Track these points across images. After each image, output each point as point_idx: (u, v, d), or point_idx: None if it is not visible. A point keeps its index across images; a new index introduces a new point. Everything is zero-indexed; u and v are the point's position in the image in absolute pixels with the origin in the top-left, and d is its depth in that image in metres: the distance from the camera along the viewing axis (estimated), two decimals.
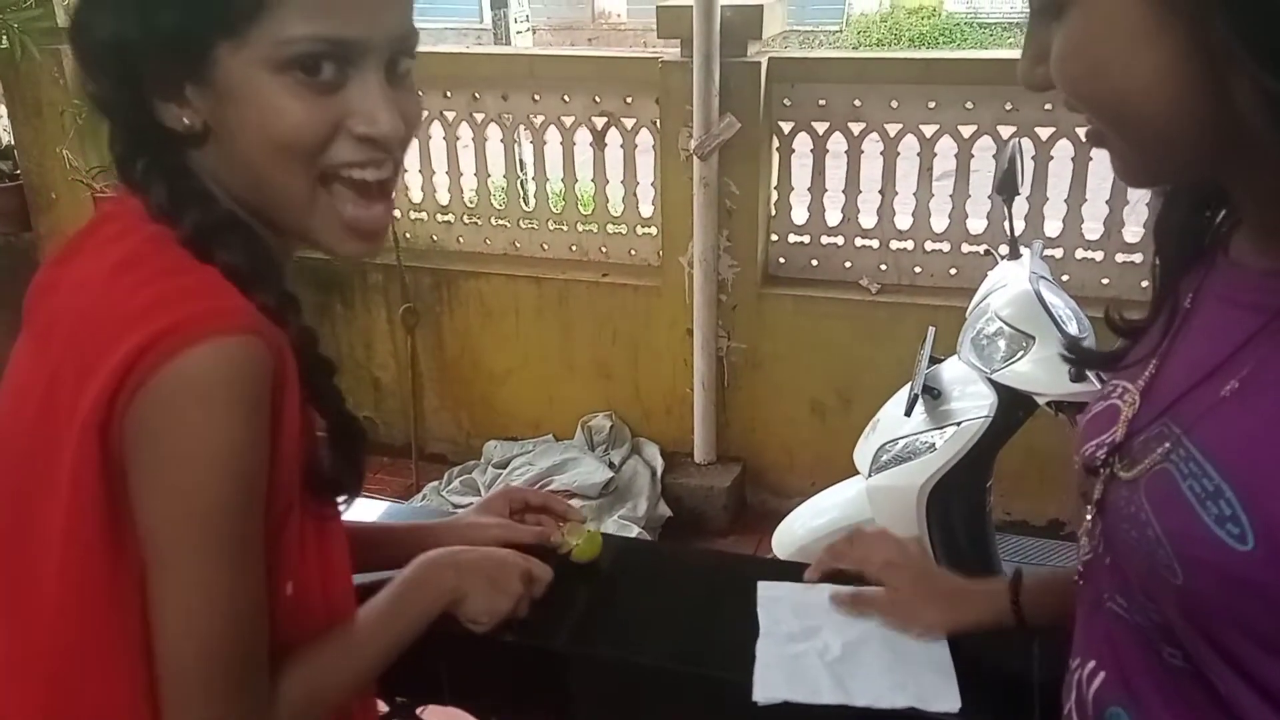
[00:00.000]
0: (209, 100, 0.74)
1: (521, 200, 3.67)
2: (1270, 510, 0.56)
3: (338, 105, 0.74)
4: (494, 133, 3.56)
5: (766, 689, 0.93)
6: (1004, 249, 2.49)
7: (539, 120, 3.49)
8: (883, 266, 3.27)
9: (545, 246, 3.65)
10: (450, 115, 3.55)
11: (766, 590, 1.06)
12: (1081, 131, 2.72)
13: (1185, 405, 0.66)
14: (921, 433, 2.26)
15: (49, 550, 0.73)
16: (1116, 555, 0.70)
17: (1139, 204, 2.81)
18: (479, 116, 3.53)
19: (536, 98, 3.45)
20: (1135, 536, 0.65)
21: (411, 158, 3.62)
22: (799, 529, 2.47)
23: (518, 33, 8.13)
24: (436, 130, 3.57)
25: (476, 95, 3.50)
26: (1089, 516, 0.73)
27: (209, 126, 0.75)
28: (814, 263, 3.35)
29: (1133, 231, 3.01)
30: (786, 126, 3.23)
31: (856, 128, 3.16)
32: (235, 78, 0.72)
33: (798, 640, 0.98)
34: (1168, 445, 0.65)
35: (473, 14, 14.85)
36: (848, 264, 3.31)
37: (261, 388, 0.72)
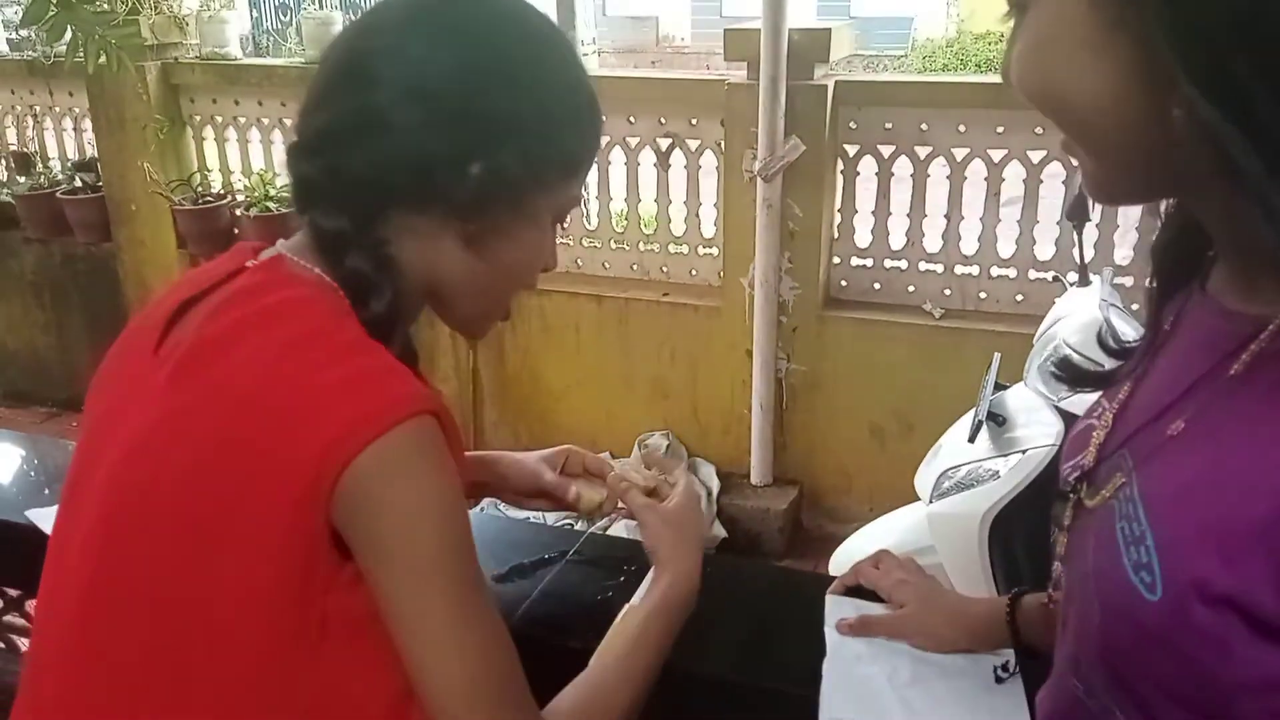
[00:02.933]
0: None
1: (584, 219, 3.70)
2: (1178, 566, 0.55)
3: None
4: None
5: (832, 710, 0.92)
6: (1073, 276, 2.46)
7: (604, 140, 3.52)
8: (947, 291, 3.24)
9: (607, 265, 3.67)
10: None
11: (835, 607, 1.05)
12: None
13: (1141, 439, 0.64)
14: (985, 460, 2.23)
15: (231, 607, 0.76)
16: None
17: None
18: None
19: (603, 118, 3.48)
20: (1078, 568, 0.64)
21: None
22: (858, 553, 2.44)
23: (584, 55, 8.22)
24: None
25: None
26: (1061, 542, 0.71)
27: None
28: (876, 286, 3.33)
29: None
30: (851, 149, 3.22)
31: (923, 151, 3.14)
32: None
33: (866, 662, 0.97)
34: (1120, 478, 0.64)
35: None
36: (911, 288, 3.28)
37: (448, 455, 0.79)
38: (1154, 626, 0.56)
